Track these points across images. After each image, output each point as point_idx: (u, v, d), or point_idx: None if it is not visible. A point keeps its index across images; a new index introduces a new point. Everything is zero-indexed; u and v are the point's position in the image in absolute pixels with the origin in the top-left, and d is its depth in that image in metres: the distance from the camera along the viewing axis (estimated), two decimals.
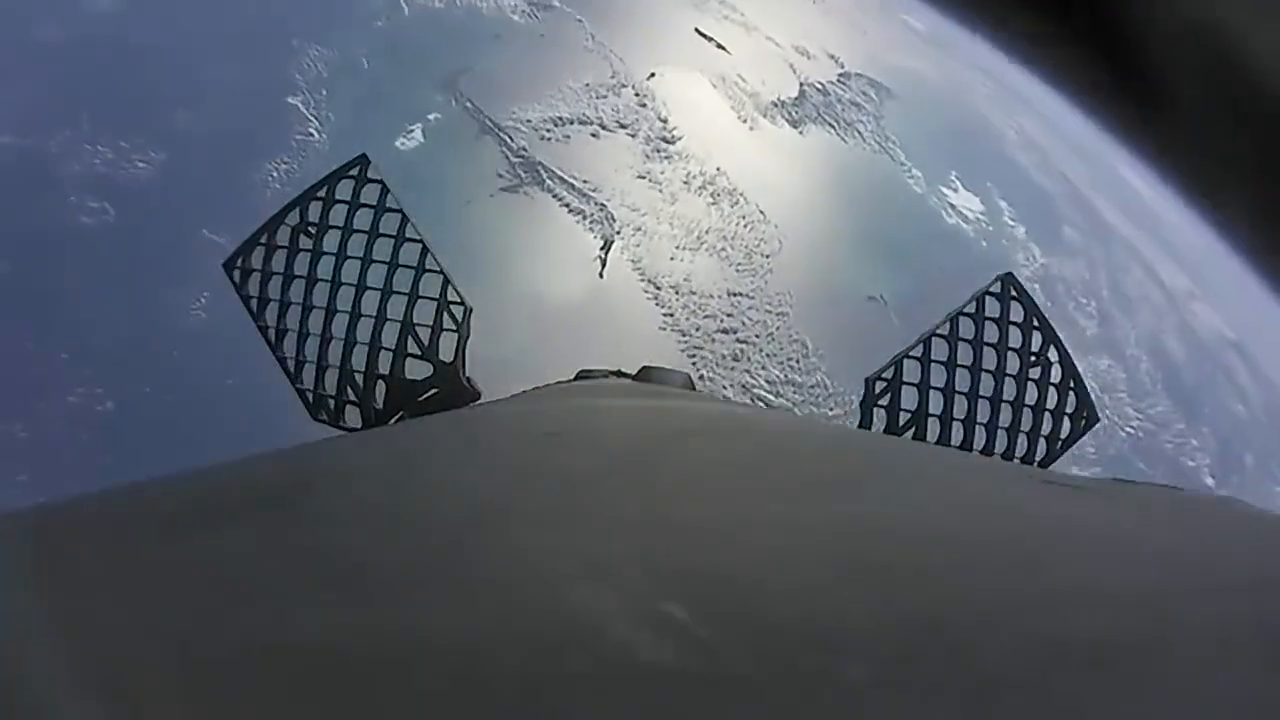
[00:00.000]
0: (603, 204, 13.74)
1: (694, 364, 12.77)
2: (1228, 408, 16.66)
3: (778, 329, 13.61)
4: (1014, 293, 1.44)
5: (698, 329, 13.17)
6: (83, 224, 11.00)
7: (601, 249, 13.26)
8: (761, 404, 12.80)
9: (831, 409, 13.08)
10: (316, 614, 0.29)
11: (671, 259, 13.67)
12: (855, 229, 14.94)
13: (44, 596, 0.32)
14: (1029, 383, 1.41)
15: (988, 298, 1.44)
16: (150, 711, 0.24)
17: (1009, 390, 1.41)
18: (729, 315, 13.47)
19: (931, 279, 14.66)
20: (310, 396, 1.44)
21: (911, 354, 1.41)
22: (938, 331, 1.43)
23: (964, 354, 1.42)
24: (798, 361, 13.35)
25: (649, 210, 14.01)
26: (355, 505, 0.43)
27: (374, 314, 1.42)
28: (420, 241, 1.46)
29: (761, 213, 14.26)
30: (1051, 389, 1.41)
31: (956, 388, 1.40)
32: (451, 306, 1.43)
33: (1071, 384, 1.42)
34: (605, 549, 0.34)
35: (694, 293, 13.48)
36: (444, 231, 12.77)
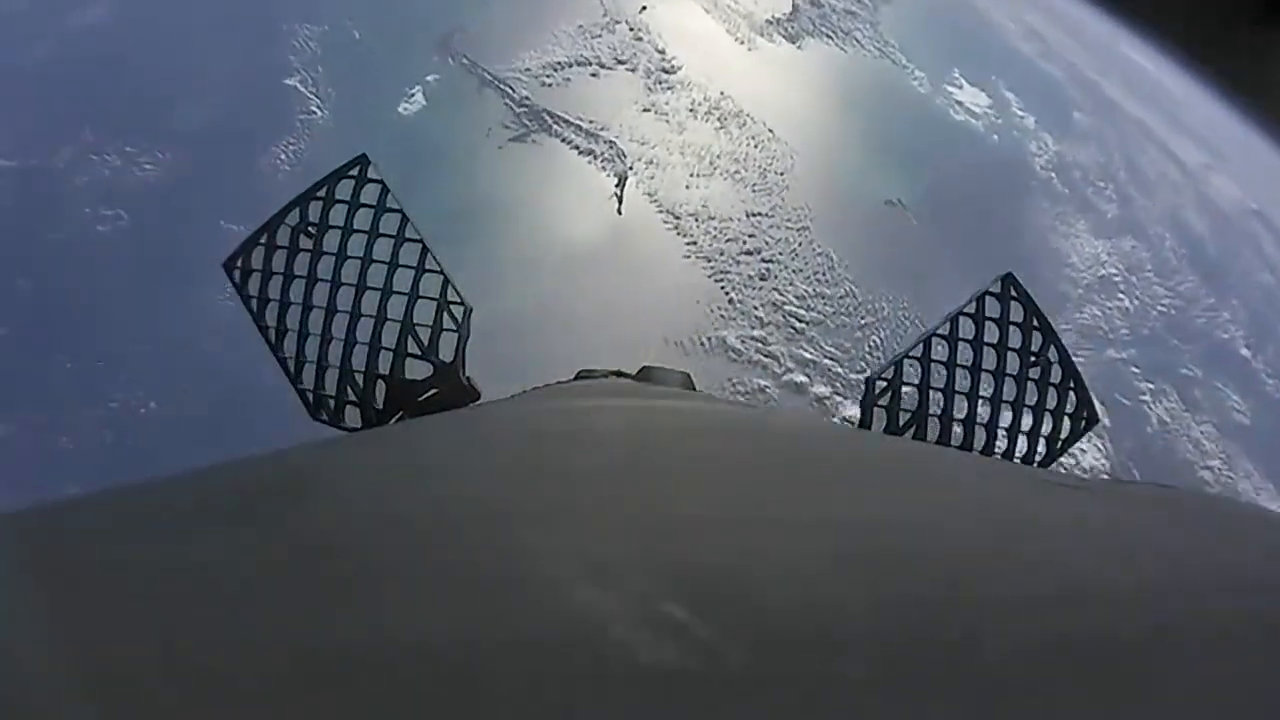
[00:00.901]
0: (612, 141, 13.63)
1: (722, 288, 12.79)
2: (1256, 278, 16.43)
3: (801, 244, 13.56)
4: (1014, 293, 1.43)
5: (721, 253, 13.15)
6: (100, 233, 10.84)
7: (616, 186, 13.21)
8: (795, 321, 12.87)
9: (863, 318, 13.09)
10: (315, 614, 0.29)
11: (687, 187, 13.57)
12: (865, 136, 14.67)
13: (42, 597, 0.32)
14: (1029, 383, 1.40)
15: (988, 298, 1.44)
16: (147, 713, 0.24)
17: (1009, 390, 1.40)
18: (751, 236, 13.42)
19: (946, 177, 14.46)
20: (310, 396, 1.44)
21: (911, 354, 1.41)
22: (938, 331, 1.42)
23: (964, 354, 1.41)
24: (824, 274, 13.34)
25: (658, 142, 13.86)
26: (355, 505, 0.43)
27: (374, 314, 1.41)
28: (420, 241, 1.45)
29: (770, 131, 14.03)
30: (1051, 389, 1.41)
31: (956, 388, 1.40)
32: (451, 306, 1.42)
33: (1071, 384, 1.41)
34: (605, 549, 0.34)
35: (713, 218, 13.41)
36: (458, 188, 12.77)
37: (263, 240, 1.47)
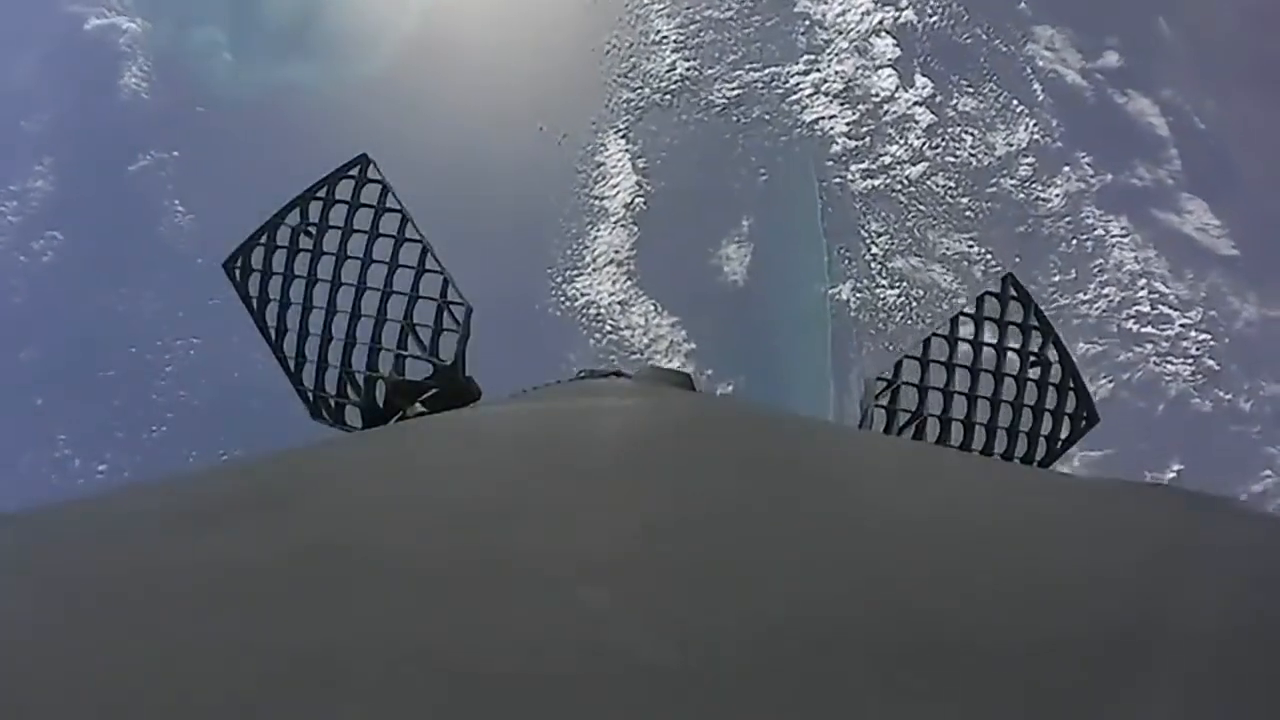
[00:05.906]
0: None
1: None
2: None
3: None
4: (1014, 293, 1.42)
5: None
6: (50, 261, 10.90)
7: None
8: None
9: None
10: (314, 615, 0.29)
11: None
12: None
13: (38, 599, 0.32)
14: (1029, 383, 1.39)
15: (988, 297, 1.42)
16: (145, 715, 0.23)
17: (1009, 390, 1.39)
18: None
19: None
20: (310, 396, 1.42)
21: (911, 354, 1.40)
22: (937, 331, 1.41)
23: (964, 354, 1.40)
24: None
25: None
26: (355, 506, 0.43)
27: (374, 314, 1.39)
28: (420, 241, 1.43)
29: None
30: (1051, 389, 1.39)
31: (956, 388, 1.38)
32: (451, 306, 1.40)
33: (1071, 384, 1.40)
34: (605, 550, 0.34)
35: None
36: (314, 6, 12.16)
37: (263, 240, 1.44)
